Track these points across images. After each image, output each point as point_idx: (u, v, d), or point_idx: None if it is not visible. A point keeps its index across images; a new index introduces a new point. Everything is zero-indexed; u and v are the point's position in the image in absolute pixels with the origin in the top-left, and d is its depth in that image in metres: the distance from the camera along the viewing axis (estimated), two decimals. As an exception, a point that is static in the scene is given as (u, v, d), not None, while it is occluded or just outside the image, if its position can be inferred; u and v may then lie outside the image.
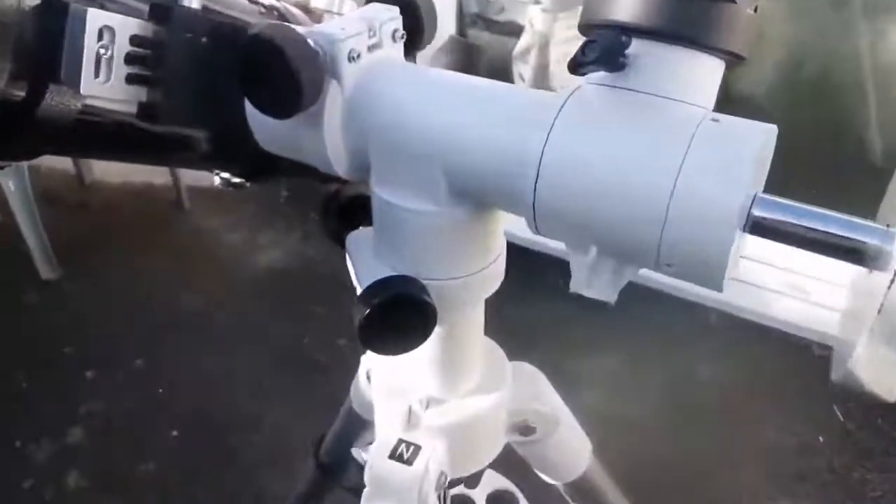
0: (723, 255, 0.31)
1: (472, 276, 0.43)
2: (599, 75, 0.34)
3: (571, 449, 0.58)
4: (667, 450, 1.52)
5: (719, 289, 0.33)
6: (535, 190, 0.35)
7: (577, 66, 0.32)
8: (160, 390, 1.71)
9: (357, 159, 0.41)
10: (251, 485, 1.47)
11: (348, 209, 0.48)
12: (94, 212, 2.36)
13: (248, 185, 0.61)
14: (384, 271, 0.42)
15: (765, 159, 0.33)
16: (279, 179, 0.61)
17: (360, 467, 0.78)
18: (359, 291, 0.43)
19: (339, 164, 0.41)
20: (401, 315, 0.40)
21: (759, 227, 0.32)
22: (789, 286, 1.78)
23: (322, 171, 0.44)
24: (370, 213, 0.45)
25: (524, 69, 2.00)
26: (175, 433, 1.61)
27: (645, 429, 1.57)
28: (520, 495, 0.70)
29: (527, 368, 0.56)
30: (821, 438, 1.58)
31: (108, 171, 2.45)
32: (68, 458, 1.54)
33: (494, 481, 0.71)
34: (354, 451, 0.74)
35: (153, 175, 2.41)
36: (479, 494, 0.70)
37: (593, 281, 0.36)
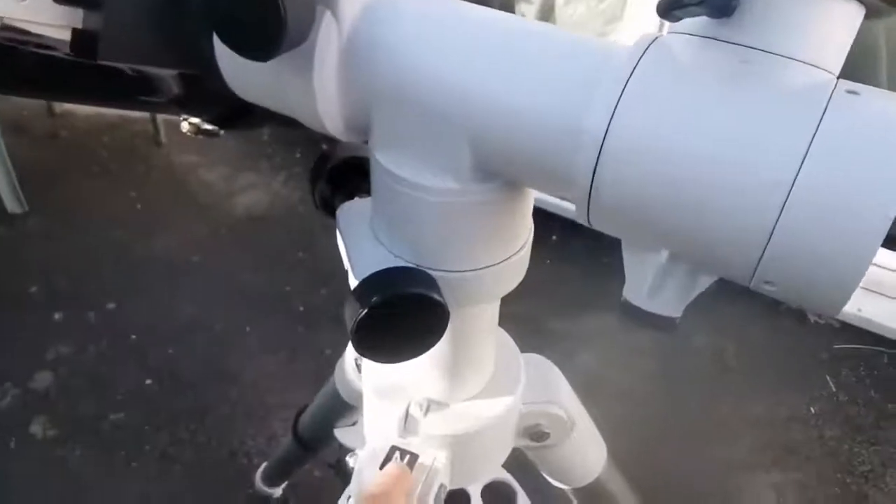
0: (857, 274, 0.23)
1: (492, 268, 0.35)
2: (691, 23, 0.25)
3: (585, 454, 0.51)
4: (657, 417, 1.48)
5: (835, 313, 0.25)
6: (594, 171, 0.26)
7: (670, 7, 0.23)
8: (133, 336, 1.63)
9: (355, 116, 0.32)
10: (227, 439, 1.41)
11: (342, 173, 0.39)
12: (65, 143, 2.23)
13: (221, 132, 0.51)
14: (385, 259, 0.34)
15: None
16: (261, 126, 0.52)
17: (341, 446, 0.72)
18: (352, 281, 0.35)
19: (332, 121, 0.32)
20: (405, 317, 0.32)
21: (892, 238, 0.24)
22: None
23: (309, 127, 0.35)
24: (369, 180, 0.36)
25: (527, 9, 1.87)
26: (149, 381, 1.53)
27: (635, 395, 1.53)
28: (518, 487, 0.64)
29: (540, 363, 0.49)
30: (812, 409, 1.55)
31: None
32: (34, 404, 1.47)
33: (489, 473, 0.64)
34: (337, 433, 0.67)
35: (128, 106, 2.27)
36: (473, 485, 0.63)
37: (658, 292, 0.28)
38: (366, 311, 0.31)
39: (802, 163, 0.23)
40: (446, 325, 0.33)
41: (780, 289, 0.25)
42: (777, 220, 0.23)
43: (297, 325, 1.66)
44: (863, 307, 1.69)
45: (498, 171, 0.30)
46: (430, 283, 0.32)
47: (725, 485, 1.40)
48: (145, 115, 2.20)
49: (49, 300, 1.69)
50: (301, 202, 2.01)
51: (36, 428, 1.43)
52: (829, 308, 0.25)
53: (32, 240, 1.86)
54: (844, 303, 0.25)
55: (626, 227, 0.27)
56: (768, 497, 1.39)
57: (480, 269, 0.34)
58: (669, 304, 0.28)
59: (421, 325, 0.33)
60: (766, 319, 1.71)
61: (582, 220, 0.29)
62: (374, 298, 0.31)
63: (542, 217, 1.92)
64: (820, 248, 0.23)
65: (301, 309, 1.71)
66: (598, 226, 0.29)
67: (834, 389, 1.60)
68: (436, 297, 0.32)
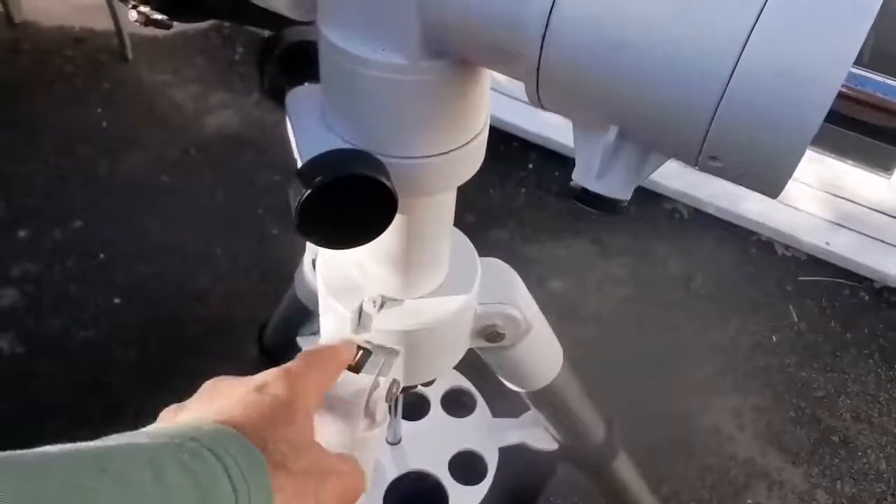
0: (801, 144, 0.22)
1: (445, 156, 0.34)
2: None
3: (541, 357, 0.52)
4: (624, 340, 1.51)
5: (776, 194, 0.25)
6: (542, 41, 0.25)
7: None
8: (101, 255, 1.61)
9: (301, -14, 0.31)
10: (196, 357, 1.41)
11: (291, 58, 0.38)
12: (27, 56, 2.13)
13: (170, 22, 0.49)
14: (332, 142, 0.33)
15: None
16: (209, 18, 0.49)
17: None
18: (299, 165, 0.34)
19: (277, -8, 0.31)
20: (351, 201, 0.31)
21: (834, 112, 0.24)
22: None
23: (257, 3, 0.33)
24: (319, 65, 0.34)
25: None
26: (117, 300, 1.53)
27: (604, 319, 1.55)
28: (478, 396, 0.65)
29: (498, 266, 0.49)
30: (773, 338, 1.59)
31: (41, 13, 2.21)
32: (1, 321, 1.45)
33: (450, 379, 0.65)
34: (299, 340, 0.67)
35: (93, 20, 2.18)
36: (434, 393, 0.64)
37: (606, 172, 0.27)
38: (309, 191, 0.30)
39: (755, 23, 0.22)
40: (394, 212, 0.32)
41: (726, 164, 0.24)
42: (727, 84, 0.22)
43: (269, 248, 1.65)
44: (831, 241, 1.72)
45: (447, 45, 0.29)
46: (378, 166, 0.31)
47: (685, 407, 1.44)
48: (110, 28, 2.11)
49: (13, 217, 1.66)
50: (275, 124, 1.96)
51: (3, 344, 1.42)
52: (770, 185, 0.25)
53: (-5, 155, 1.81)
54: (785, 181, 0.24)
55: (575, 102, 0.26)
56: (726, 418, 1.44)
57: (431, 156, 0.33)
58: (618, 185, 0.27)
59: (368, 210, 0.32)
60: (735, 250, 1.74)
61: (532, 101, 0.28)
62: (318, 179, 0.30)
63: (520, 146, 1.90)
64: (766, 119, 0.23)
65: (274, 232, 1.69)
66: (547, 103, 0.28)
67: (796, 319, 1.64)
68: (383, 181, 0.31)
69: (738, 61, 0.22)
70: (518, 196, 1.78)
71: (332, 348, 0.39)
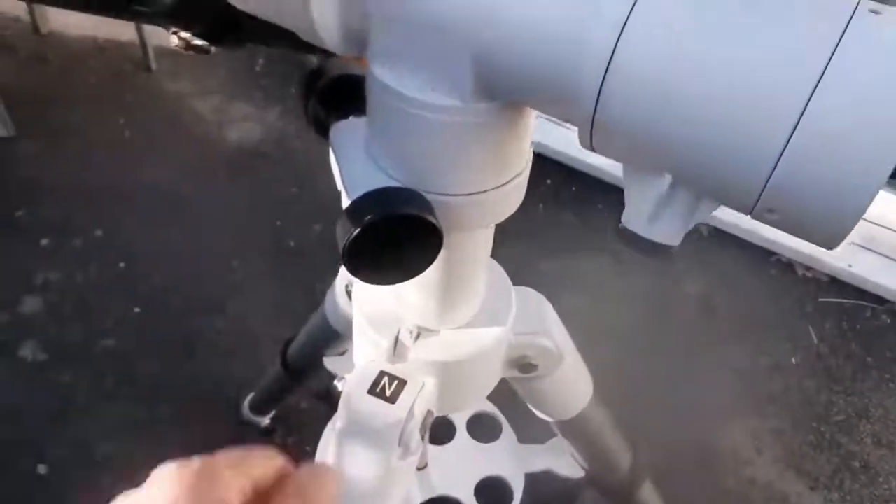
0: (861, 205, 0.22)
1: (489, 193, 0.34)
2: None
3: (572, 387, 0.51)
4: (640, 360, 1.50)
5: (833, 247, 0.25)
6: (600, 89, 0.25)
7: None
8: (121, 264, 1.62)
9: (352, 27, 0.31)
10: (214, 369, 1.42)
11: (335, 91, 0.38)
12: (52, 66, 2.16)
13: (211, 49, 0.50)
14: (379, 179, 0.33)
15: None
16: (251, 45, 0.50)
17: (330, 375, 0.72)
18: (345, 200, 0.34)
19: (327, 31, 0.31)
20: (397, 238, 0.31)
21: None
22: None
23: (303, 39, 0.33)
24: (364, 99, 0.35)
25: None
26: (137, 310, 1.54)
27: (621, 337, 1.54)
28: (503, 419, 0.65)
29: (531, 296, 0.49)
30: (794, 360, 1.58)
31: (67, 23, 2.24)
32: (23, 328, 1.47)
33: (475, 404, 0.65)
34: (326, 361, 0.67)
35: (117, 30, 2.21)
36: (459, 417, 0.64)
37: (658, 218, 0.27)
38: (358, 230, 0.30)
39: (818, 82, 0.22)
40: (440, 249, 0.32)
41: (782, 217, 0.24)
42: (787, 142, 0.22)
43: (287, 260, 1.66)
44: (853, 263, 1.71)
45: (500, 88, 0.29)
46: (426, 205, 0.32)
47: (703, 428, 1.43)
48: (134, 39, 2.13)
49: (36, 225, 1.68)
50: (296, 136, 1.98)
51: (26, 352, 1.43)
52: (828, 239, 0.25)
53: (20, 164, 1.83)
54: (844, 235, 0.24)
55: (631, 149, 0.27)
56: (744, 441, 1.43)
57: (476, 193, 0.33)
58: (669, 231, 0.27)
59: (414, 247, 0.32)
60: (755, 270, 1.72)
61: (584, 145, 0.28)
62: (368, 218, 0.30)
63: (537, 161, 1.91)
64: (827, 175, 0.22)
65: (292, 244, 1.70)
66: (600, 149, 0.28)
67: (816, 341, 1.62)
68: (431, 219, 0.31)
69: (801, 115, 0.22)
70: (535, 212, 1.78)
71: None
